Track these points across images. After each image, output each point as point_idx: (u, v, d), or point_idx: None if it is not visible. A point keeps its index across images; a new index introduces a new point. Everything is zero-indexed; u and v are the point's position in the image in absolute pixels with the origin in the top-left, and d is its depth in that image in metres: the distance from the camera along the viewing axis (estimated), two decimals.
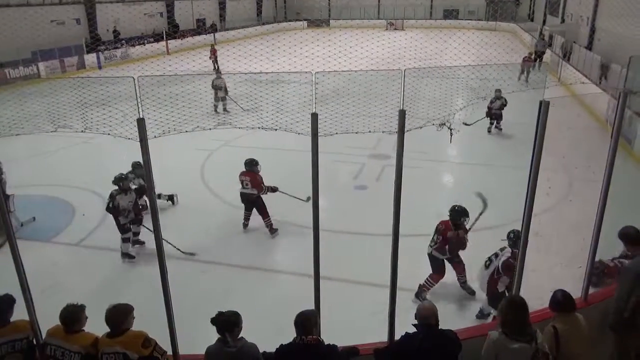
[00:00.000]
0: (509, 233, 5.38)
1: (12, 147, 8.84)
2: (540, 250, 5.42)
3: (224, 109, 15.39)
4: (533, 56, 22.66)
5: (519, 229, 3.82)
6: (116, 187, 7.04)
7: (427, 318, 3.42)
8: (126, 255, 7.19)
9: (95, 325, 3.56)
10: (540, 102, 3.47)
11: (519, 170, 4.44)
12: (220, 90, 15.05)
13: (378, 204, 6.84)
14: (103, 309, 3.48)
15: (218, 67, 23.27)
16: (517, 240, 4.80)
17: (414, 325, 3.46)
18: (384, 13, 47.72)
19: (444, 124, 7.59)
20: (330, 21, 47.43)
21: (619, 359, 4.34)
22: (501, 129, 13.15)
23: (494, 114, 12.90)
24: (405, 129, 3.39)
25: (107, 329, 3.47)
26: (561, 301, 3.71)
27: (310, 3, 48.68)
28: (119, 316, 3.46)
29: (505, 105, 12.76)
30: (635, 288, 3.95)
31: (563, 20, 30.67)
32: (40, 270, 6.11)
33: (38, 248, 7.38)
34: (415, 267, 6.16)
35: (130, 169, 8.02)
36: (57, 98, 10.85)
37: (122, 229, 7.12)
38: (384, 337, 3.86)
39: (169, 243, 6.95)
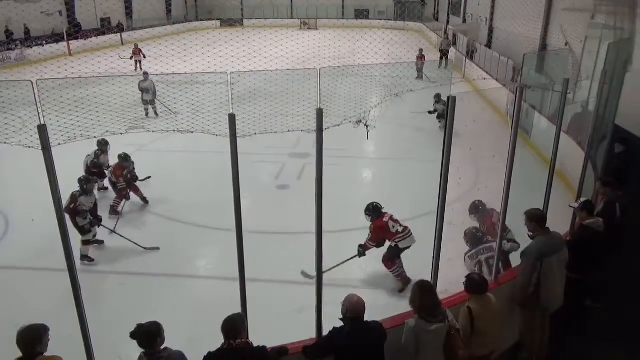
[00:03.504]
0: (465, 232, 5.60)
1: None
2: (453, 239, 5.77)
3: (155, 113, 14.51)
4: (439, 54, 23.96)
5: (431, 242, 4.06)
6: (78, 188, 6.93)
7: (355, 312, 3.50)
8: (85, 258, 6.93)
9: (5, 351, 3.26)
10: (448, 98, 3.69)
11: (431, 162, 4.68)
12: (147, 93, 14.20)
13: (301, 202, 6.90)
14: (11, 333, 3.19)
15: (141, 67, 22.18)
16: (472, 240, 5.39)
17: (341, 319, 3.54)
18: (297, 12, 48.07)
19: (361, 121, 7.80)
20: (244, 21, 46.97)
21: (526, 332, 4.73)
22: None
23: (440, 115, 13.19)
24: (324, 127, 3.45)
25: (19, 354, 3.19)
26: (474, 283, 4.00)
27: (222, 2, 47.88)
28: (31, 339, 3.17)
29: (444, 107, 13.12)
30: (537, 265, 4.32)
31: (464, 20, 32.68)
32: None
33: None
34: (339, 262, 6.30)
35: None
36: None
37: (82, 230, 6.90)
38: (312, 334, 3.90)
39: (130, 240, 7.24)
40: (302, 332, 3.99)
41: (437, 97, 13.22)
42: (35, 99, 3.48)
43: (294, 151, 11.60)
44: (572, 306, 4.91)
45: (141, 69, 22.45)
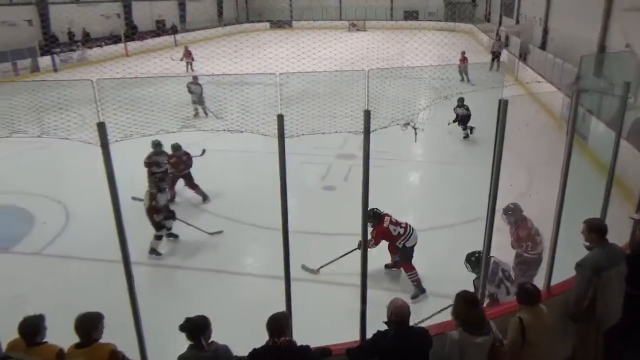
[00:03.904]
0: (469, 256, 5.16)
1: None
2: (501, 247, 5.60)
3: (205, 113, 14.92)
4: (491, 56, 23.34)
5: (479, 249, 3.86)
6: (154, 188, 7.28)
7: (399, 315, 3.46)
8: (154, 252, 7.26)
9: (64, 337, 3.44)
10: (500, 101, 3.59)
11: (480, 167, 4.56)
12: (194, 94, 14.71)
13: (346, 204, 6.89)
14: (70, 319, 3.37)
15: (192, 68, 22.82)
16: (478, 264, 4.86)
17: (385, 322, 3.50)
18: (346, 14, 48.07)
19: (409, 123, 7.72)
20: (293, 22, 47.42)
21: (579, 346, 4.52)
22: (464, 135, 13.06)
23: (462, 120, 12.88)
24: (371, 129, 3.43)
25: (76, 340, 3.36)
26: (527, 293, 3.85)
27: (272, 4, 48.56)
28: (87, 325, 3.36)
29: (467, 113, 12.71)
30: (593, 279, 4.12)
31: (518, 21, 31.68)
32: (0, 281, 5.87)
33: None
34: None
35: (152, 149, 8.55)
36: (11, 102, 10.41)
37: (157, 225, 7.27)
38: (355, 337, 3.89)
39: (196, 227, 7.59)
40: (346, 334, 3.98)
41: (460, 102, 12.75)
42: (95, 97, 3.64)
43: (341, 152, 11.61)
44: (630, 321, 4.65)
45: (192, 70, 23.10)
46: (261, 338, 3.36)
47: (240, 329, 4.61)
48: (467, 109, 12.67)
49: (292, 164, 3.69)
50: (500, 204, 3.86)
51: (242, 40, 27.25)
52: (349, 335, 3.94)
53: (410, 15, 47.90)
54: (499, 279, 4.83)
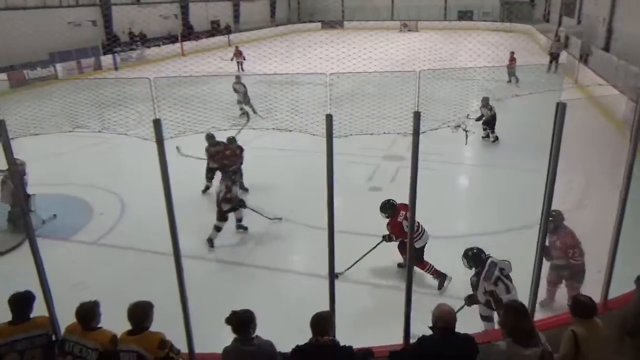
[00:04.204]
0: (466, 251, 5.19)
1: (30, 146, 8.95)
2: (499, 246, 5.39)
3: (254, 112, 15.03)
4: (549, 58, 22.45)
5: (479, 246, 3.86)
6: (229, 180, 7.66)
7: (445, 321, 3.39)
8: (210, 242, 7.52)
9: (116, 323, 3.61)
10: (557, 104, 3.45)
11: (534, 173, 4.40)
12: (238, 93, 14.90)
13: None
14: (122, 307, 3.52)
15: (242, 68, 23.22)
16: (473, 260, 5.05)
17: (430, 327, 3.45)
18: (398, 14, 47.55)
19: (460, 125, 7.56)
20: (344, 22, 47.43)
21: None
22: (492, 139, 12.48)
23: (486, 122, 12.37)
24: (420, 131, 3.39)
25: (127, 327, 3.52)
26: (581, 306, 3.68)
27: (323, 4, 48.73)
28: (139, 313, 3.51)
29: (491, 114, 12.20)
30: None
31: (579, 22, 30.31)
32: (60, 268, 6.17)
33: (57, 246, 7.48)
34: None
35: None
36: (75, 98, 10.99)
37: (222, 216, 7.53)
38: (399, 340, 3.85)
39: (256, 211, 7.94)
40: (389, 336, 3.95)
41: (485, 101, 12.18)
42: (151, 95, 3.78)
43: (389, 153, 11.51)
44: None
45: (242, 69, 23.50)
46: (304, 336, 3.38)
47: (284, 326, 4.67)
48: (491, 109, 12.19)
49: (339, 163, 3.70)
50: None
51: (294, 40, 27.57)
52: (392, 337, 3.91)
53: (465, 15, 46.79)
54: (496, 277, 4.88)
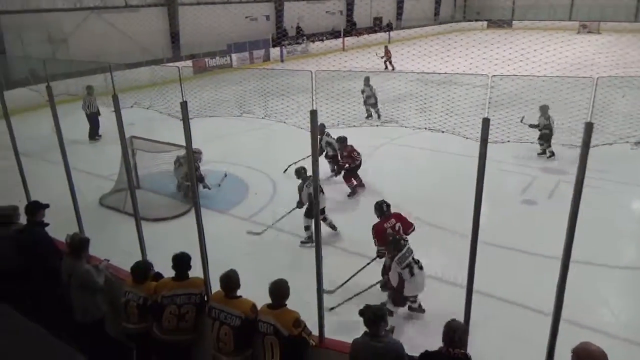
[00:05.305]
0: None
1: (205, 127, 10.11)
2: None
3: (378, 116, 14.50)
4: None
5: None
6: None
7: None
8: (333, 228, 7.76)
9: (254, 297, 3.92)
10: None
11: None
12: (363, 95, 14.33)
13: (548, 223, 6.27)
14: (264, 281, 3.81)
15: (391, 66, 23.28)
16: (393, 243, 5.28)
17: None
18: (578, 14, 42.91)
19: None
20: (513, 22, 44.37)
21: None
22: (548, 155, 10.82)
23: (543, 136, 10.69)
24: (592, 144, 3.05)
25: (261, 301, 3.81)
26: None
27: (492, 2, 46.19)
28: (280, 291, 3.79)
29: (547, 123, 10.53)
30: None
31: None
32: (217, 236, 6.86)
33: (215, 217, 8.36)
34: (589, 299, 5.52)
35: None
36: (245, 86, 12.08)
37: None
38: None
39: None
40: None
41: (543, 110, 10.50)
42: (311, 87, 3.98)
43: (548, 166, 10.53)
44: None
45: (391, 67, 23.28)
46: (434, 343, 3.30)
47: (415, 331, 4.62)
48: (548, 119, 10.49)
49: (490, 169, 3.50)
50: None
51: (456, 40, 26.65)
52: None
53: None
54: (407, 263, 5.23)
